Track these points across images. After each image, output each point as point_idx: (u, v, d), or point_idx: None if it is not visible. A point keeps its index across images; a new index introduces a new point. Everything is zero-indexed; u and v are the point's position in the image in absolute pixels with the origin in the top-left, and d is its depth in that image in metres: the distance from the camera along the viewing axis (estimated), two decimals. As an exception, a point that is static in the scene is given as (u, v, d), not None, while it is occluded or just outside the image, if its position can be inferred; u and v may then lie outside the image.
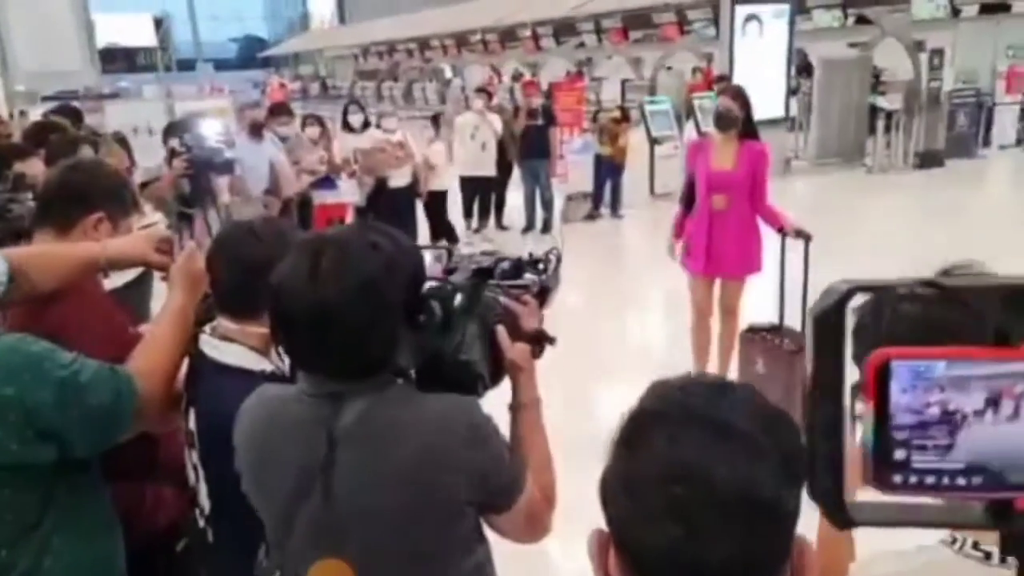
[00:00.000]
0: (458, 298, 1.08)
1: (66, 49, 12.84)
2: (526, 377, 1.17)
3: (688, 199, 3.82)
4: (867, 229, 8.08)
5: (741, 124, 3.65)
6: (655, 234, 7.14)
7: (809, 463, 0.50)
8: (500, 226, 8.18)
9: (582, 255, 8.04)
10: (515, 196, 8.14)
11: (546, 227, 8.10)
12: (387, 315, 1.02)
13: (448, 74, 24.95)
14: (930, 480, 0.43)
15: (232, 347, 1.34)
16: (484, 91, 8.19)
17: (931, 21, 14.77)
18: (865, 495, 0.48)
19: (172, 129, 4.32)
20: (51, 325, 1.40)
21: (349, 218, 6.60)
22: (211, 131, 3.93)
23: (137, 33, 37.29)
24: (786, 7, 10.90)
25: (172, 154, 3.97)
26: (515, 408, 1.19)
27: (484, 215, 7.90)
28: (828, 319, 0.44)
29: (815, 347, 0.45)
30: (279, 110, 5.70)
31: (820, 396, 0.46)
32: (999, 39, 13.46)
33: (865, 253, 7.20)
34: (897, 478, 0.44)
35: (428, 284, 1.09)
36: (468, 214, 7.76)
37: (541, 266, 1.25)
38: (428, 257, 1.29)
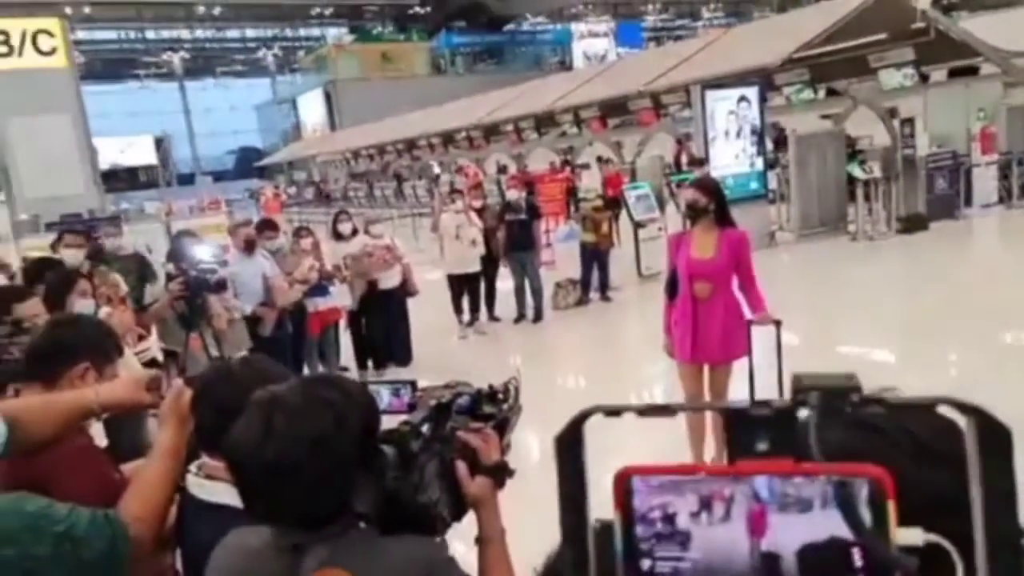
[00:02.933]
0: (415, 439, 1.11)
1: (69, 174, 13.42)
2: (489, 511, 1.19)
3: (672, 289, 3.86)
4: (853, 297, 8.16)
5: (715, 213, 3.74)
6: (644, 314, 7.23)
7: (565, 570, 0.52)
8: (492, 318, 8.28)
9: (574, 341, 8.13)
10: (507, 286, 8.29)
11: (538, 316, 8.20)
12: (340, 469, 1.06)
13: (436, 170, 25.73)
14: None
15: (217, 485, 1.35)
16: (458, 191, 8.40)
17: (901, 89, 15.36)
18: None
19: (171, 255, 4.53)
20: (40, 477, 1.44)
21: (343, 322, 6.75)
22: (205, 253, 4.09)
23: (138, 153, 38.89)
24: (755, 89, 11.41)
25: (168, 278, 4.12)
26: (480, 542, 1.21)
27: (475, 309, 8.02)
28: (565, 439, 0.49)
29: (558, 465, 0.50)
30: (265, 226, 5.94)
31: (564, 508, 0.50)
32: (970, 102, 13.93)
33: (853, 321, 7.27)
34: None
35: (387, 426, 1.12)
36: (459, 310, 7.88)
37: (501, 396, 1.28)
38: (385, 394, 1.34)
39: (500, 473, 1.19)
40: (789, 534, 0.45)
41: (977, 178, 12.28)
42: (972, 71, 14.98)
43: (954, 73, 15.34)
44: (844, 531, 0.45)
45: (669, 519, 0.47)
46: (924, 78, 15.65)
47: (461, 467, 1.15)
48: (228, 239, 5.56)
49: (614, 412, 0.50)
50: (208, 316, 4.04)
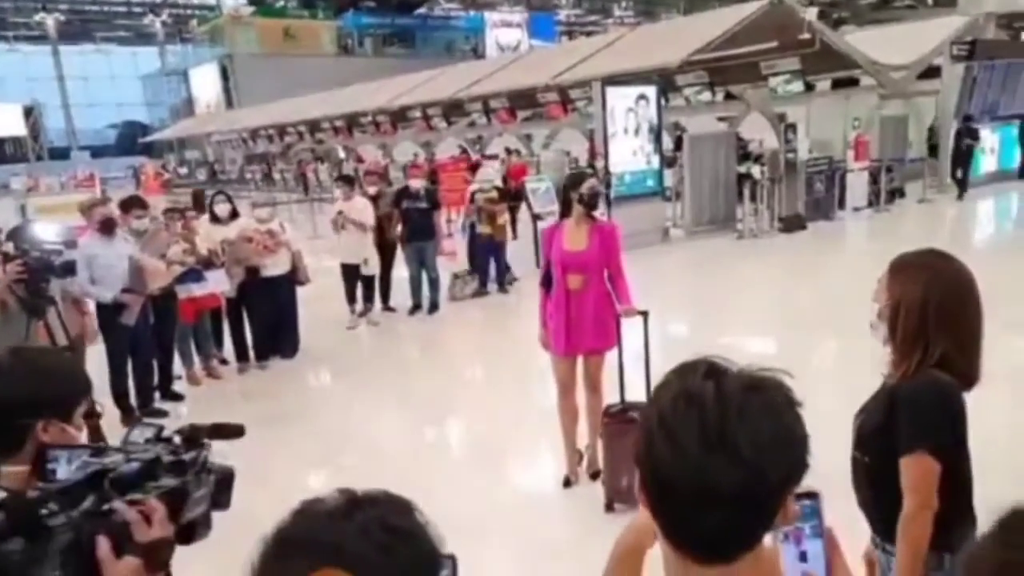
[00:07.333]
0: (47, 505, 0.92)
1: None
2: None
3: (547, 282, 3.89)
4: (736, 291, 8.53)
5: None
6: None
7: None
8: (387, 308, 8.09)
9: (469, 332, 8.07)
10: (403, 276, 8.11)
11: (434, 307, 8.08)
12: None
13: (341, 155, 25.02)
14: None
15: None
16: (349, 178, 8.15)
17: (789, 96, 16.18)
18: None
19: (13, 235, 4.10)
20: None
21: (223, 308, 6.37)
22: (48, 233, 3.71)
23: (5, 123, 35.62)
24: (653, 88, 11.66)
25: (5, 258, 3.73)
26: None
27: (369, 298, 7.80)
28: None
29: None
30: (133, 204, 5.46)
31: None
32: (848, 111, 14.86)
33: (735, 313, 7.59)
34: None
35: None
36: (351, 299, 7.64)
37: (188, 461, 1.07)
38: (63, 460, 1.07)
39: (157, 552, 1.00)
40: None
41: (850, 183, 13.17)
42: (853, 82, 15.96)
43: (837, 84, 16.29)
44: None
45: None
46: (809, 87, 16.57)
47: (102, 544, 0.95)
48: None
49: None
50: (52, 300, 3.68)
